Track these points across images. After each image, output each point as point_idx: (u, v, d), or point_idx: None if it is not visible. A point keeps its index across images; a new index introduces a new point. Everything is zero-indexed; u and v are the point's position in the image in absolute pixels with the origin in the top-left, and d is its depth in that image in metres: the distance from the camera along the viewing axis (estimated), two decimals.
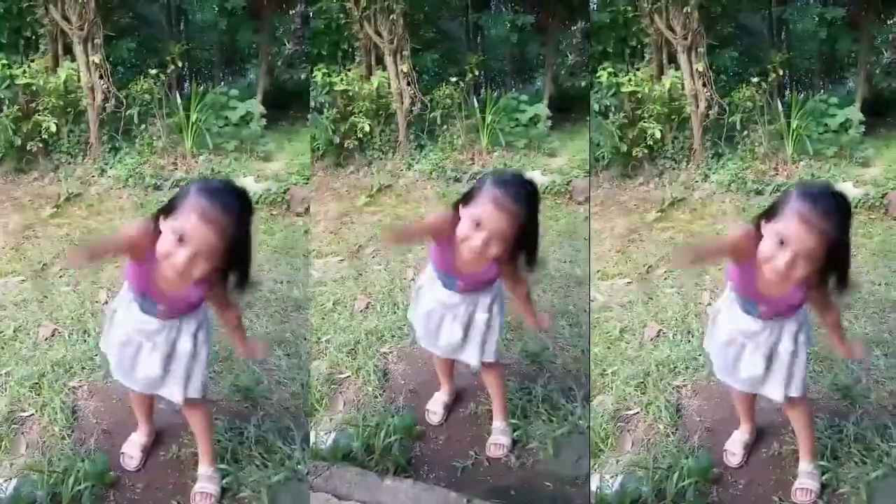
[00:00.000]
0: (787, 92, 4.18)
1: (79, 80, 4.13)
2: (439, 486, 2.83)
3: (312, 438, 3.02)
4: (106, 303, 3.53)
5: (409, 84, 4.32)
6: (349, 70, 4.34)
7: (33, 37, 4.15)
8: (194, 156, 4.13)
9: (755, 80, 4.18)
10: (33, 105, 4.09)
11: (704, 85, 4.17)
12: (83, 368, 3.23)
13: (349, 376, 3.33)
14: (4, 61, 4.11)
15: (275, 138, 4.14)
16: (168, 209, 2.38)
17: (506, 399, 3.05)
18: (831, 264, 2.35)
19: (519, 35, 4.33)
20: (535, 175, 3.93)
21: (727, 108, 4.17)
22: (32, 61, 4.14)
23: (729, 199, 4.05)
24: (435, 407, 3.15)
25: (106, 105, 4.12)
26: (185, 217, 2.32)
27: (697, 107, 4.17)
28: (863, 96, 4.20)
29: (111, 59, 4.13)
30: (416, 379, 3.31)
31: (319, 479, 2.87)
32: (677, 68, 4.18)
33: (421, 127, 4.32)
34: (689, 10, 4.13)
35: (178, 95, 4.14)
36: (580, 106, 4.19)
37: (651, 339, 3.41)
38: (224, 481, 2.79)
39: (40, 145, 4.09)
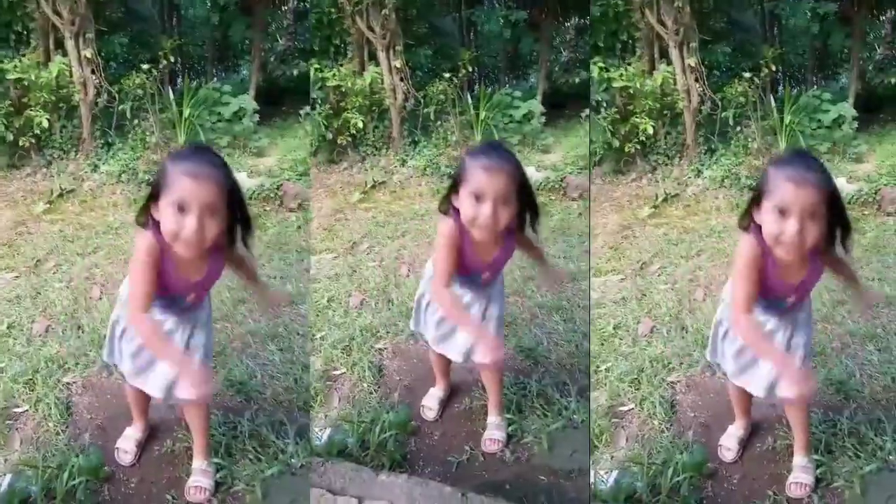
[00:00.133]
0: (780, 87, 4.19)
1: (71, 76, 4.10)
2: (434, 481, 2.83)
3: (315, 435, 3.03)
4: (100, 298, 3.53)
5: (402, 80, 4.30)
6: (341, 66, 4.33)
7: (24, 31, 4.12)
8: None
9: (748, 75, 4.17)
10: (25, 100, 4.07)
11: (697, 80, 4.17)
12: (77, 364, 3.22)
13: (344, 373, 3.33)
14: None
15: (268, 134, 4.13)
16: (154, 195, 2.38)
17: (501, 394, 3.06)
18: (834, 217, 2.37)
19: (512, 31, 4.32)
20: (530, 171, 3.92)
21: (720, 104, 4.17)
22: (24, 56, 4.11)
23: (722, 195, 4.05)
24: (430, 402, 3.15)
25: (98, 100, 4.10)
26: (178, 185, 2.33)
27: (690, 102, 4.17)
28: (856, 92, 4.21)
29: (103, 53, 4.11)
30: (411, 375, 3.32)
31: (314, 475, 2.87)
32: (669, 63, 4.18)
33: (414, 123, 4.30)
34: (680, 5, 4.12)
35: (170, 91, 4.12)
36: (574, 102, 4.18)
37: (645, 336, 3.42)
38: (218, 475, 2.80)
39: (32, 141, 4.06)
